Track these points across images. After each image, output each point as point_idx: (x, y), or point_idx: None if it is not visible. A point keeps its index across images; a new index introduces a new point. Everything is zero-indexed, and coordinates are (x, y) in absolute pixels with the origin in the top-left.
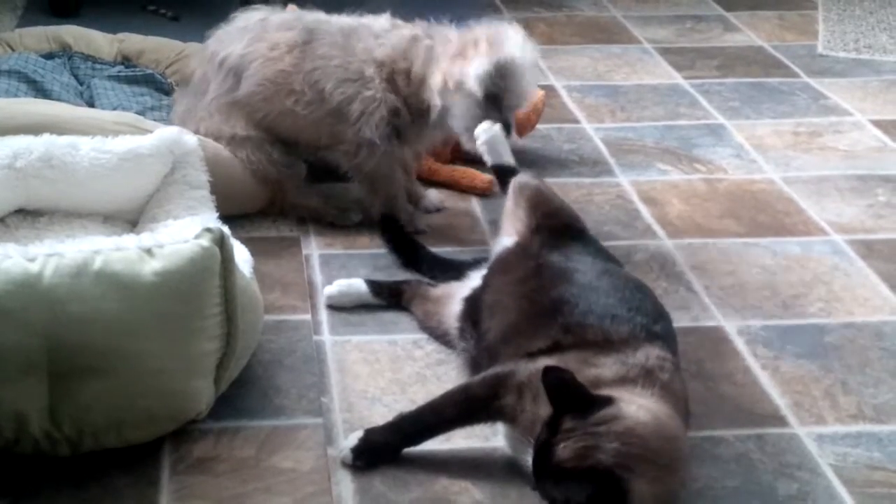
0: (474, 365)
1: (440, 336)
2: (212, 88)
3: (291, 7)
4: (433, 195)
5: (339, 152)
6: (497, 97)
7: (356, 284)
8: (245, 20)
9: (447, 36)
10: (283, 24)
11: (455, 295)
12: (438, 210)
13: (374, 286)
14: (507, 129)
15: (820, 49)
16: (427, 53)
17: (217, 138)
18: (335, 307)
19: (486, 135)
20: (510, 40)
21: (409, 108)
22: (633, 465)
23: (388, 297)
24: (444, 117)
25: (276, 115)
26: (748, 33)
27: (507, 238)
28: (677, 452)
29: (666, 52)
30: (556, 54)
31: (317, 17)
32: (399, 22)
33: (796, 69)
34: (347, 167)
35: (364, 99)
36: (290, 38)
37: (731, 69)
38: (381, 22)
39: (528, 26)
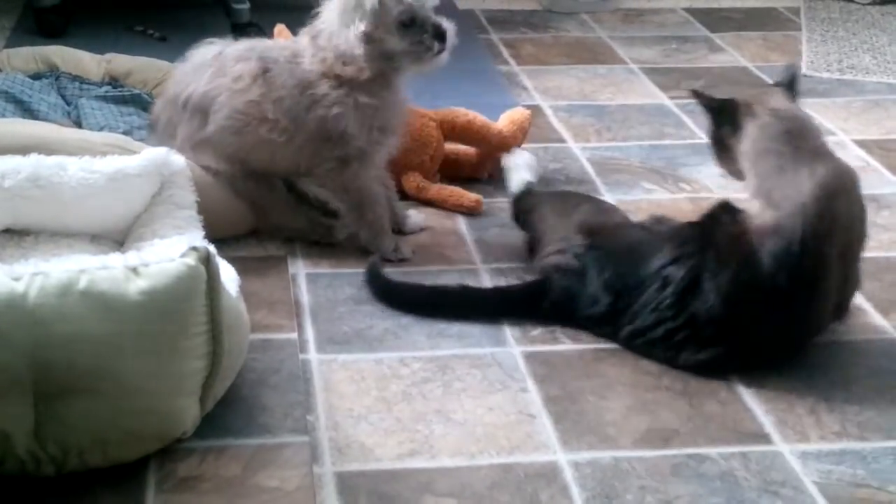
0: None
1: None
2: (180, 132)
3: (280, 28)
4: (415, 216)
5: (323, 173)
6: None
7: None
8: (201, 56)
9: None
10: (240, 56)
11: None
12: (422, 230)
13: None
14: (438, 36)
15: (804, 70)
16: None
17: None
18: None
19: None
20: None
21: (366, 90)
22: None
23: None
24: (386, 62)
25: (250, 147)
26: (733, 54)
27: None
28: None
29: (651, 73)
30: (542, 74)
31: (265, 44)
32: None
33: None
34: (332, 188)
35: (336, 116)
36: (250, 68)
37: (717, 89)
38: (299, 42)
39: (515, 47)
